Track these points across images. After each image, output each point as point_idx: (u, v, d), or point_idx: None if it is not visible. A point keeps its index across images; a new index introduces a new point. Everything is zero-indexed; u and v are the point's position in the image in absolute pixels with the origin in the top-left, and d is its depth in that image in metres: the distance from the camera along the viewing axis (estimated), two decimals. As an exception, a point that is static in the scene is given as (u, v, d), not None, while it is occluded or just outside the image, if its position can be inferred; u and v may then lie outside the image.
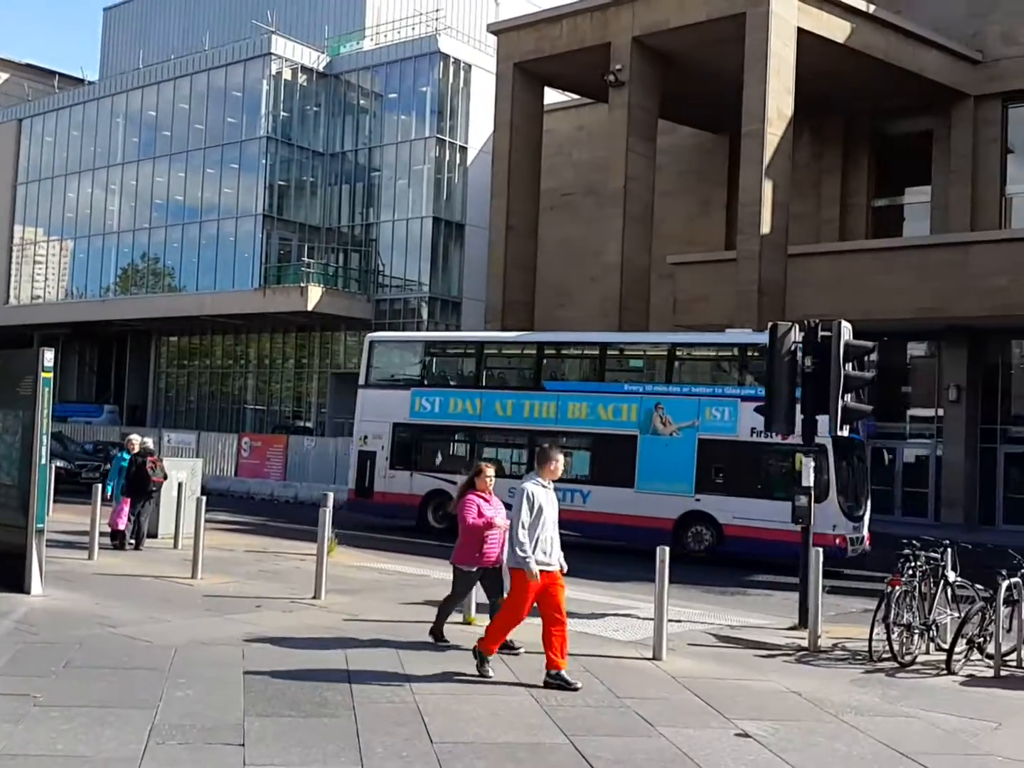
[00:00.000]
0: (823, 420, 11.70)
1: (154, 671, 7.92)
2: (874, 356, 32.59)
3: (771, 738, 7.05)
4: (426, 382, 21.68)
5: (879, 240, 29.00)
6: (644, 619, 11.12)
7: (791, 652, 10.13)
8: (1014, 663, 9.82)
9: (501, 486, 18.49)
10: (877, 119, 30.38)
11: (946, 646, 9.82)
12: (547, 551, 8.25)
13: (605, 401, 19.45)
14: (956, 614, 10.20)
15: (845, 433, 11.85)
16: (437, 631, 9.59)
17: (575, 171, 36.17)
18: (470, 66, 39.61)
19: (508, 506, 8.92)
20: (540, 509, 8.21)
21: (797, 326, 11.98)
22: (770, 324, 12.25)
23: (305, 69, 41.06)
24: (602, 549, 19.02)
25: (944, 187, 28.55)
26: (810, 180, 30.32)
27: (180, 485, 15.55)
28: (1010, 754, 6.98)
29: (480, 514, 9.15)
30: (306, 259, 39.04)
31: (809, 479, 11.76)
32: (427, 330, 38.65)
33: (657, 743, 6.84)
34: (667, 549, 9.76)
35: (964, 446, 27.11)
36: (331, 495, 14.01)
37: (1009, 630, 9.87)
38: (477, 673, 8.34)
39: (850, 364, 11.94)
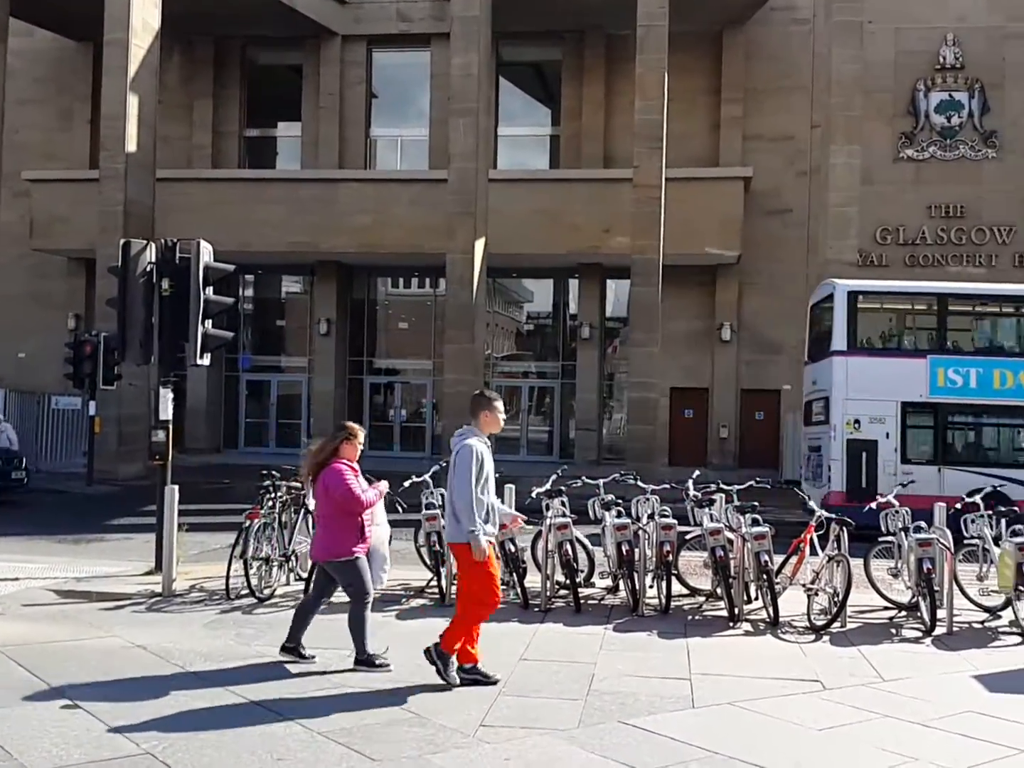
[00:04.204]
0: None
1: None
2: (250, 292, 32.37)
3: (103, 705, 6.15)
4: (950, 347, 17.66)
5: (252, 171, 28.73)
6: (-32, 582, 9.49)
7: (143, 600, 9.27)
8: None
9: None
10: (249, 47, 29.78)
11: (305, 574, 9.69)
12: (490, 519, 6.84)
13: None
14: (315, 541, 10.12)
15: (207, 361, 11.02)
16: (365, 658, 7.11)
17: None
18: None
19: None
20: (484, 470, 6.78)
21: (153, 245, 10.95)
22: (122, 242, 11.05)
23: None
24: None
25: (314, 123, 28.94)
26: (182, 103, 28.94)
27: None
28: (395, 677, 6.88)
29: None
30: None
31: (167, 412, 10.85)
32: None
33: (-44, 736, 5.60)
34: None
35: (334, 377, 28.14)
36: None
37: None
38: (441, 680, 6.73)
39: (211, 288, 11.17)
